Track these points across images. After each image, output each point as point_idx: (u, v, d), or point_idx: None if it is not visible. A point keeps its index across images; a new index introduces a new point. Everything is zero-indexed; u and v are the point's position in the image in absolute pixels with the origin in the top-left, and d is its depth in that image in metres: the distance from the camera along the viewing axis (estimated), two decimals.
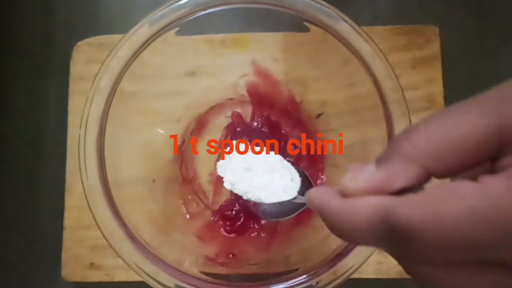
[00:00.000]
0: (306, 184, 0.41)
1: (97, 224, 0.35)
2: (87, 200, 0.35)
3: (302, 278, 0.34)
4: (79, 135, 0.36)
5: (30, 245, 0.48)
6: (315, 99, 0.45)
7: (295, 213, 0.40)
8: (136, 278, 0.44)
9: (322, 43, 0.38)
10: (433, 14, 0.50)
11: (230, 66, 0.45)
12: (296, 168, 0.39)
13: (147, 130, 0.43)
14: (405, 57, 0.47)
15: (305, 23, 0.37)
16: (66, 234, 0.46)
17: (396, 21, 0.49)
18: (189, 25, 0.38)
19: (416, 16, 0.50)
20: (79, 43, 0.49)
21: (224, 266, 0.41)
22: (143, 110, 0.41)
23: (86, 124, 0.36)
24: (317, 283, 0.34)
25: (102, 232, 0.35)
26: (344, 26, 0.36)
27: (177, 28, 0.37)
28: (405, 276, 0.44)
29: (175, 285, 0.34)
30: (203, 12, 0.37)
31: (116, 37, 0.49)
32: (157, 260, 0.35)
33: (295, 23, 0.38)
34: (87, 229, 0.46)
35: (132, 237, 0.35)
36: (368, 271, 0.44)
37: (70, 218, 0.46)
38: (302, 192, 0.38)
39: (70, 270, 0.45)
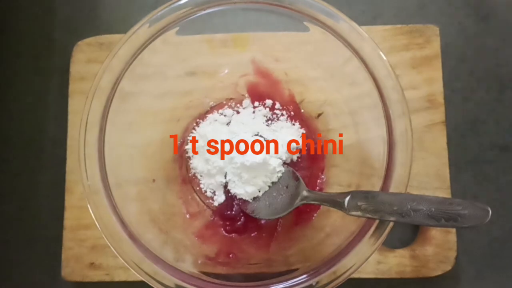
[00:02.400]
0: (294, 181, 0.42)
1: (96, 223, 0.35)
2: (87, 200, 0.35)
3: (302, 278, 0.34)
4: (79, 134, 0.36)
5: (30, 245, 0.48)
6: (315, 99, 0.45)
7: (285, 212, 0.40)
8: (136, 278, 0.44)
9: (322, 43, 0.38)
10: (433, 14, 0.50)
11: (230, 65, 0.45)
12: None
13: (147, 130, 0.43)
14: (405, 57, 0.47)
15: (306, 23, 0.37)
16: (66, 234, 0.46)
17: (396, 21, 0.49)
18: (189, 25, 0.38)
19: (416, 16, 0.50)
20: (79, 43, 0.49)
21: (224, 265, 0.41)
22: (143, 110, 0.41)
23: (86, 124, 0.36)
24: (317, 283, 0.34)
25: (101, 232, 0.35)
26: (344, 25, 0.36)
27: (177, 28, 0.37)
28: (405, 276, 0.44)
29: (175, 285, 0.34)
30: (203, 12, 0.37)
31: (116, 37, 0.49)
32: (157, 259, 0.35)
33: (296, 23, 0.38)
34: (87, 229, 0.46)
35: (132, 237, 0.35)
36: (368, 271, 0.44)
37: (70, 218, 0.46)
38: (298, 192, 0.38)
39: (70, 269, 0.45)
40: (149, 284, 0.34)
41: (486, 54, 0.49)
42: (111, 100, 0.36)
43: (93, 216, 0.35)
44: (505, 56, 0.49)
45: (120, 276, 0.45)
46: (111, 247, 0.34)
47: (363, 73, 0.37)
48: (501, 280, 0.46)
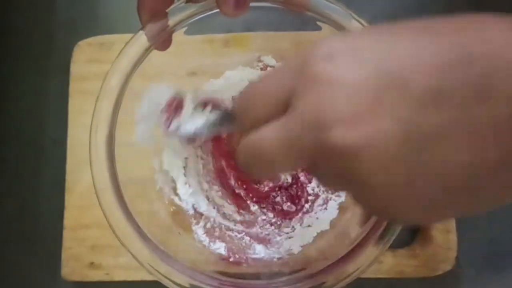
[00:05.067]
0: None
1: (110, 225, 0.34)
2: (99, 201, 0.35)
3: (310, 277, 0.34)
4: (90, 134, 0.35)
5: (30, 245, 0.48)
6: None
7: None
8: (135, 277, 0.44)
9: None
10: (433, 14, 0.50)
11: (232, 66, 0.45)
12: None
13: None
14: None
15: (317, 22, 0.37)
16: (66, 234, 0.46)
17: (396, 21, 0.49)
18: (197, 25, 0.37)
19: (416, 16, 0.50)
20: (80, 42, 0.49)
21: (236, 265, 0.41)
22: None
23: (97, 124, 0.36)
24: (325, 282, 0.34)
25: (115, 233, 0.34)
26: (355, 24, 0.36)
27: (186, 28, 0.37)
28: (405, 276, 0.44)
29: (189, 285, 0.34)
30: (212, 11, 0.36)
31: (116, 37, 0.49)
32: (170, 259, 0.34)
33: (304, 21, 0.37)
34: (87, 228, 0.46)
35: (145, 238, 0.35)
36: (368, 271, 0.44)
37: (70, 217, 0.46)
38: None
39: (70, 269, 0.45)
40: (164, 284, 0.34)
41: None
42: (121, 99, 0.36)
43: (105, 217, 0.35)
44: None
45: (120, 276, 0.45)
46: (125, 248, 0.34)
47: None
48: (501, 280, 0.46)
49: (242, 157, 0.25)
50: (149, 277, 0.34)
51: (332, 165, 0.21)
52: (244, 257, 0.42)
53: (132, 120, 0.38)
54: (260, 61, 0.45)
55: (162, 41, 0.37)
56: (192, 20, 0.37)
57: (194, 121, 0.32)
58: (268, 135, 0.23)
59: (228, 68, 0.45)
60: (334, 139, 0.20)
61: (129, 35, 0.43)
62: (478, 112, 0.19)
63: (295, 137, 0.22)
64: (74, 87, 0.48)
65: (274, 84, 0.23)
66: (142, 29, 0.36)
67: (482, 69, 0.19)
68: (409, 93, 0.20)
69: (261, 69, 0.45)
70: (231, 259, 0.41)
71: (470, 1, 0.50)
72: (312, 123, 0.21)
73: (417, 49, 0.21)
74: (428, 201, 0.21)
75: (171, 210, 0.43)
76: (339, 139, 0.20)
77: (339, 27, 0.36)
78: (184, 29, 0.37)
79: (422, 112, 0.19)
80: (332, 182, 0.24)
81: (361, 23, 0.36)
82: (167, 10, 0.36)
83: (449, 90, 0.19)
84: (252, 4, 0.33)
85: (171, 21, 0.36)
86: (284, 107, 0.22)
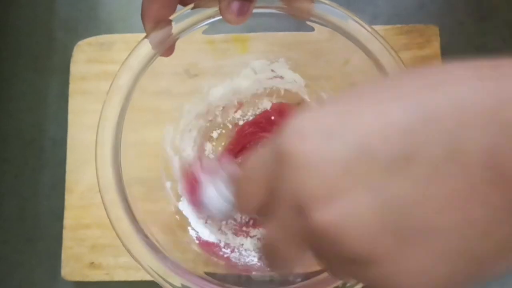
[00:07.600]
0: None
1: (112, 224, 0.34)
2: (102, 198, 0.35)
3: (328, 279, 0.34)
4: (97, 133, 0.35)
5: (30, 245, 0.48)
6: (316, 99, 0.45)
7: None
8: (135, 277, 0.44)
9: (323, 42, 0.38)
10: (433, 14, 0.50)
11: (232, 66, 0.45)
12: None
13: (154, 130, 0.43)
14: (405, 56, 0.47)
15: (309, 23, 0.37)
16: (66, 234, 0.46)
17: (396, 21, 0.49)
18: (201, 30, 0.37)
19: (416, 16, 0.50)
20: (80, 42, 0.49)
21: (246, 272, 0.41)
22: (150, 109, 0.41)
23: (104, 123, 0.36)
24: (344, 284, 0.33)
25: (116, 232, 0.34)
26: (353, 24, 0.36)
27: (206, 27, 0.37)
28: None
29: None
30: (215, 18, 0.36)
31: (116, 36, 0.49)
32: (170, 262, 0.34)
33: (300, 23, 0.37)
34: (87, 228, 0.46)
35: (146, 238, 0.34)
36: None
37: (70, 217, 0.46)
38: None
39: (70, 269, 0.45)
40: (160, 285, 0.34)
41: (486, 54, 0.49)
42: (129, 99, 0.36)
43: (108, 216, 0.34)
44: (505, 56, 0.49)
45: (120, 276, 0.45)
46: (124, 247, 0.34)
47: (365, 74, 0.36)
48: (501, 280, 0.46)
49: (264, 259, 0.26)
50: (149, 277, 0.34)
51: (322, 249, 0.21)
52: (249, 266, 0.41)
53: (139, 120, 0.39)
54: (273, 71, 0.45)
55: (167, 48, 0.37)
56: (196, 27, 0.37)
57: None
58: (270, 234, 0.23)
59: (228, 68, 0.45)
60: (313, 221, 0.20)
61: (129, 35, 0.43)
62: (452, 170, 0.18)
63: (286, 226, 0.22)
64: (74, 87, 0.48)
65: (257, 170, 0.24)
66: (146, 37, 0.36)
67: (449, 126, 0.19)
68: (377, 162, 0.19)
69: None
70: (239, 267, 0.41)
71: (469, 1, 0.50)
72: (293, 207, 0.21)
73: (382, 114, 0.20)
74: (427, 272, 0.20)
75: (176, 215, 0.43)
76: (316, 220, 0.20)
77: (336, 27, 0.36)
78: (204, 28, 0.37)
79: (394, 179, 0.19)
80: (333, 269, 0.23)
81: (359, 23, 0.36)
82: (171, 18, 0.36)
83: (415, 153, 0.19)
84: (254, 10, 0.33)
85: (175, 29, 0.36)
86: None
